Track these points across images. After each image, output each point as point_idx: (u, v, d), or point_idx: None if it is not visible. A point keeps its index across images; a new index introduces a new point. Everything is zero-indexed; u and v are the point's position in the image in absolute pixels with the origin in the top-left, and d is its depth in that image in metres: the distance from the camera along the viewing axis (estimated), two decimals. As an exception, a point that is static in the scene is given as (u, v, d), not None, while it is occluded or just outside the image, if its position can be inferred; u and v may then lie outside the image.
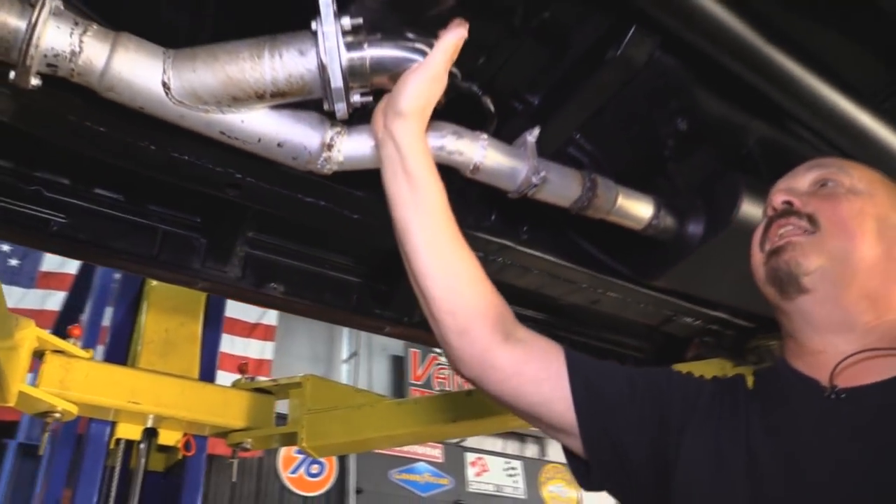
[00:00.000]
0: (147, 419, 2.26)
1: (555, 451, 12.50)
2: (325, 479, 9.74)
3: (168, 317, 2.63)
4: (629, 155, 1.71)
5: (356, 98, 1.16)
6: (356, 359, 11.36)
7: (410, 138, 1.11)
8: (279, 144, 1.23)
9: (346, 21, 1.12)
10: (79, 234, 1.68)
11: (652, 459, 1.05)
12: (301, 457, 9.35)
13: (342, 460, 9.84)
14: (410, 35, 1.18)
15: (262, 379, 2.49)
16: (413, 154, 1.11)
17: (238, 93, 1.15)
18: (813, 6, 1.51)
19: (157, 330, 2.57)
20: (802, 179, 1.13)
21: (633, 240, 1.68)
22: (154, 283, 2.72)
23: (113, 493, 2.35)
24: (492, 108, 1.41)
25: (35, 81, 1.08)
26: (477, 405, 2.27)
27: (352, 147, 1.28)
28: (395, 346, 11.45)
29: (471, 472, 11.13)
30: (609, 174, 1.62)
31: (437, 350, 11.84)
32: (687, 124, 1.62)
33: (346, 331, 11.23)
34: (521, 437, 12.11)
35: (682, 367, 1.30)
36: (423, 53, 1.16)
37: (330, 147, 1.26)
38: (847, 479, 0.87)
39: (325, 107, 1.18)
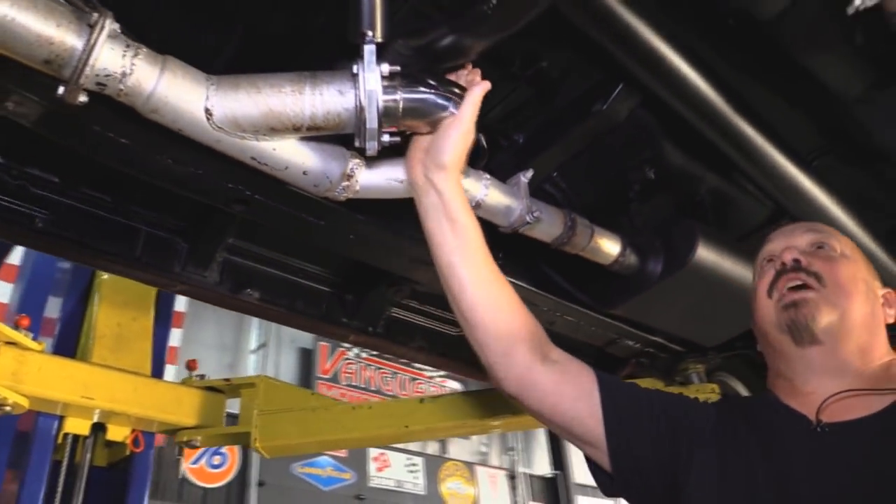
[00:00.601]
0: (95, 414, 2.22)
1: (455, 450, 12.80)
2: (227, 471, 9.56)
3: (120, 311, 2.57)
4: (598, 194, 1.86)
5: (385, 137, 1.24)
6: (265, 350, 11.20)
7: (452, 187, 1.22)
8: (304, 172, 1.29)
9: (385, 67, 1.20)
10: (63, 231, 1.66)
11: (667, 473, 1.18)
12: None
13: (245, 452, 9.68)
14: (432, 81, 1.28)
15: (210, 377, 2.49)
16: (455, 201, 1.21)
17: (277, 124, 1.20)
18: (766, 77, 1.71)
19: (109, 324, 2.52)
20: (800, 239, 1.29)
21: (596, 272, 1.84)
22: (105, 275, 2.66)
23: (59, 488, 2.29)
24: (485, 145, 1.53)
25: (83, 98, 1.10)
26: (429, 413, 2.37)
27: (367, 178, 1.36)
28: (304, 338, 11.35)
29: (373, 468, 11.21)
30: (578, 210, 1.76)
31: (346, 345, 11.84)
32: (654, 173, 1.78)
33: (255, 320, 11.03)
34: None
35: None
36: (449, 99, 1.26)
37: (349, 177, 1.34)
38: (831, 498, 1.02)
39: (357, 143, 1.25)
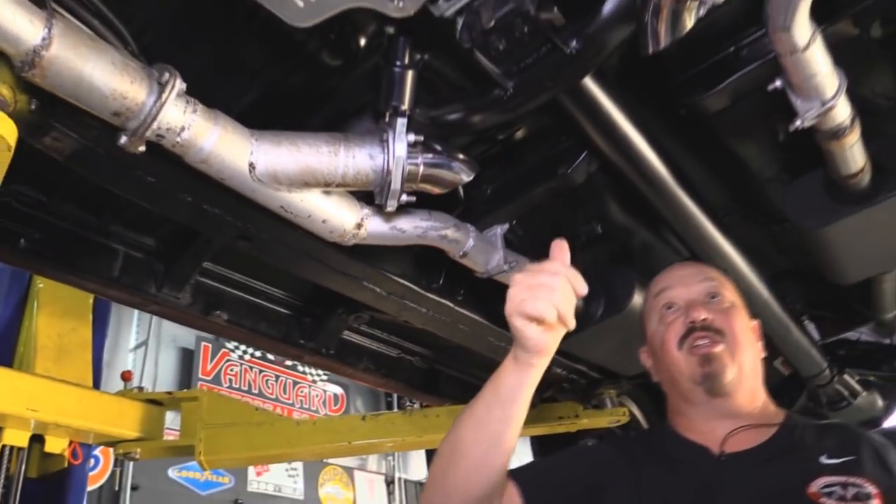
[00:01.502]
0: (34, 426, 2.16)
1: (332, 452, 12.68)
2: (100, 474, 9.05)
3: (60, 321, 2.48)
4: (550, 242, 2.08)
5: (404, 197, 1.39)
6: (144, 348, 10.70)
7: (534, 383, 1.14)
8: (324, 221, 1.41)
9: (411, 137, 1.34)
10: (46, 250, 1.67)
11: None
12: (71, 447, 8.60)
13: (117, 454, 9.17)
14: (447, 150, 1.43)
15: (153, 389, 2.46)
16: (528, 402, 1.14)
17: (311, 179, 1.32)
18: (700, 152, 2.00)
19: (51, 335, 2.43)
20: (697, 289, 1.42)
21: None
22: (41, 283, 2.56)
23: (-2, 499, 2.20)
24: (462, 195, 1.71)
25: (142, 148, 1.18)
26: (370, 429, 2.49)
27: (375, 226, 1.49)
28: (186, 337, 10.91)
29: (252, 472, 10.97)
30: (530, 255, 1.97)
31: (230, 345, 11.55)
32: (600, 227, 2.02)
33: (134, 317, 10.51)
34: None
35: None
36: (461, 163, 1.42)
37: (360, 226, 1.46)
38: None
39: (377, 200, 1.39)
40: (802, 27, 1.20)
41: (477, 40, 1.28)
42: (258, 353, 11.52)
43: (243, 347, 10.98)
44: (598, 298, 2.04)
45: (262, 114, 1.56)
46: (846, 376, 2.87)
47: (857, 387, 2.95)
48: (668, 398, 1.46)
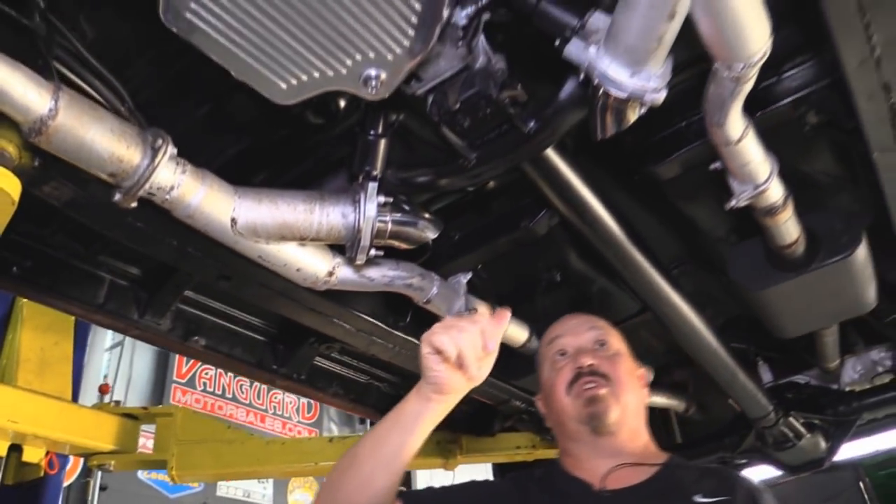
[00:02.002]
0: (13, 436, 2.25)
1: (304, 460, 12.75)
2: (68, 474, 9.02)
3: (42, 335, 2.57)
4: (512, 287, 2.21)
5: (372, 252, 1.51)
6: (120, 349, 10.70)
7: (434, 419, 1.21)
8: (298, 269, 1.53)
9: (381, 198, 1.46)
10: (37, 278, 1.77)
11: None
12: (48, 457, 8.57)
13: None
14: (414, 209, 1.55)
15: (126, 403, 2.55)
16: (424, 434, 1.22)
17: (287, 234, 1.43)
18: (655, 213, 2.14)
19: (33, 348, 2.51)
20: (585, 337, 1.54)
21: (504, 350, 2.17)
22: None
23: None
24: (430, 243, 1.83)
25: (134, 204, 1.29)
26: (337, 451, 2.59)
27: (345, 274, 1.61)
28: (162, 339, 10.89)
29: (222, 476, 10.99)
30: (495, 298, 2.10)
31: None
32: (559, 276, 2.16)
33: (109, 316, 10.45)
34: (275, 444, 12.21)
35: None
36: (427, 221, 1.54)
37: (331, 274, 1.58)
38: None
39: (347, 253, 1.51)
40: (735, 123, 1.35)
41: (444, 117, 1.40)
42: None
43: (220, 351, 11.09)
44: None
45: (246, 163, 1.68)
46: (791, 419, 3.01)
47: (802, 429, 3.10)
48: (559, 440, 1.55)
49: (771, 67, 1.61)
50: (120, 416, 2.45)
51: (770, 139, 1.72)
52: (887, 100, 1.41)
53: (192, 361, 11.47)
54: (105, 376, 8.62)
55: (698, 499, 1.32)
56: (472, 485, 1.54)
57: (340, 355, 2.54)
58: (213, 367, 11.68)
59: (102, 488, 9.43)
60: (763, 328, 2.69)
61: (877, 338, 3.03)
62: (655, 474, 1.39)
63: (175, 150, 1.27)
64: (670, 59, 1.19)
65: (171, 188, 1.28)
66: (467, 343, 1.14)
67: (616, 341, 1.57)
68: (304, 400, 12.99)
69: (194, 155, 1.35)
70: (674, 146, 1.76)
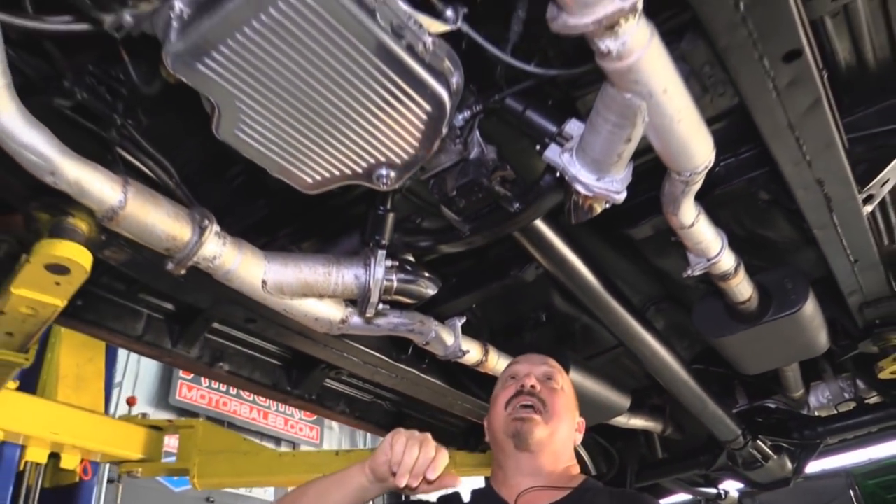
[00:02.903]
0: (53, 446, 2.50)
1: (305, 455, 13.04)
2: (79, 465, 9.32)
3: (78, 353, 2.82)
4: (502, 324, 2.46)
5: (380, 306, 1.76)
6: (130, 345, 10.91)
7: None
8: (316, 319, 1.78)
9: (388, 262, 1.71)
10: (87, 314, 2.02)
11: None
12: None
13: (96, 446, 9.45)
14: (416, 269, 1.80)
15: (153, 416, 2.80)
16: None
17: (309, 292, 1.68)
18: (630, 262, 2.38)
19: (70, 365, 2.77)
20: (538, 369, 1.72)
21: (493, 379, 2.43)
22: (64, 317, 2.89)
23: (21, 504, 2.55)
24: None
25: (183, 272, 1.54)
26: (342, 463, 2.84)
27: (355, 322, 1.86)
28: (170, 335, 11.17)
29: (225, 470, 11.26)
30: (485, 333, 2.35)
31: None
32: (545, 316, 2.41)
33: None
34: (276, 441, 12.48)
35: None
36: (427, 280, 1.79)
37: (344, 322, 1.83)
38: None
39: (359, 308, 1.76)
40: (687, 213, 1.59)
41: (443, 198, 1.65)
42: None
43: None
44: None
45: (273, 222, 1.94)
46: (759, 442, 3.26)
47: (769, 451, 3.35)
48: (494, 454, 1.68)
49: (728, 148, 1.86)
50: (147, 427, 2.71)
51: (730, 208, 1.97)
52: (822, 191, 1.66)
53: (198, 358, 11.72)
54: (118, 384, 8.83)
55: None
56: None
57: (347, 377, 2.79)
58: (218, 364, 12.03)
59: (110, 480, 9.70)
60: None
61: (842, 367, 3.27)
62: (568, 496, 1.50)
63: (218, 228, 1.52)
64: (630, 165, 1.43)
65: (214, 258, 1.53)
66: (410, 461, 1.29)
67: (563, 381, 1.73)
68: (306, 397, 13.34)
69: (228, 215, 1.61)
70: (645, 212, 2.00)
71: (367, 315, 1.75)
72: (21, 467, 2.66)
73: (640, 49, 1.12)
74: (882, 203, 2.00)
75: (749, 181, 1.84)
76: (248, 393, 12.41)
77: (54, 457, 2.66)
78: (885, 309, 2.26)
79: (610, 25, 1.06)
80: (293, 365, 2.58)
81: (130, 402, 2.93)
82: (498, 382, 1.77)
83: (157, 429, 2.75)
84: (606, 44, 1.10)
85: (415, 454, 1.29)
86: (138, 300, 2.13)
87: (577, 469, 1.64)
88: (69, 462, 2.68)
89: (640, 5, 1.03)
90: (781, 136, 1.47)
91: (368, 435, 13.64)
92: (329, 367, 2.55)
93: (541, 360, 1.79)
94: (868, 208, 1.75)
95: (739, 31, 1.20)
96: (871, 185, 1.69)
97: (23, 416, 2.30)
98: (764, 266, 2.17)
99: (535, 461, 1.55)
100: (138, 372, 10.47)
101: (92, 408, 2.64)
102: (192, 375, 11.47)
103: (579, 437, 1.72)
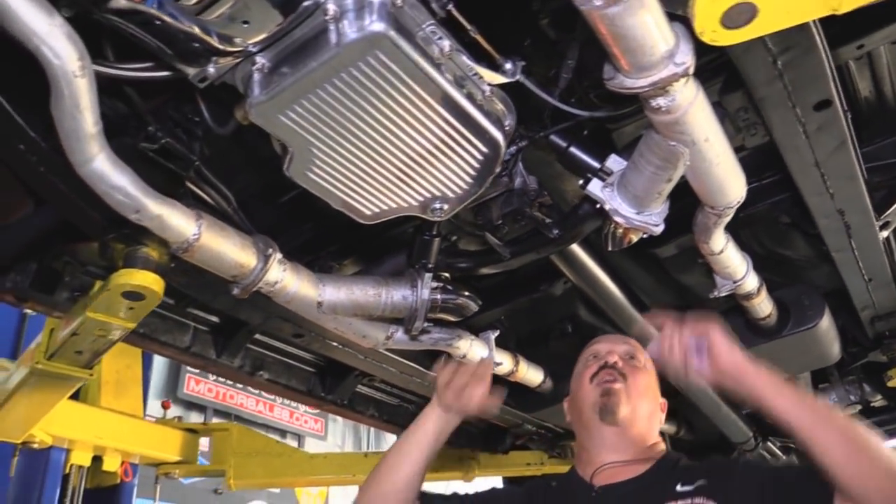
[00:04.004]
0: (96, 449, 2.61)
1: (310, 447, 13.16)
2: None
3: (117, 359, 2.93)
4: (529, 333, 2.57)
5: (424, 324, 1.87)
6: (138, 338, 11.03)
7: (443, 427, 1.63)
8: (364, 336, 1.89)
9: (433, 284, 1.82)
10: (141, 328, 2.13)
11: None
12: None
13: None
14: (457, 289, 1.91)
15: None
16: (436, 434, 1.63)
17: (360, 312, 1.79)
18: (651, 275, 2.49)
19: (111, 371, 2.87)
20: (619, 347, 1.73)
21: (520, 387, 2.55)
22: (103, 324, 3.00)
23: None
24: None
25: (246, 296, 1.65)
26: (372, 463, 2.95)
27: (399, 338, 1.97)
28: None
29: (232, 463, 11.40)
30: (512, 342, 2.47)
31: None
32: (570, 327, 2.52)
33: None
34: (281, 433, 12.62)
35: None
36: (467, 299, 1.89)
37: (388, 338, 1.95)
38: None
39: (405, 325, 1.87)
40: (717, 241, 1.70)
41: (488, 225, 1.76)
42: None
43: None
44: (565, 380, 2.53)
45: (317, 243, 2.04)
46: (769, 443, 3.39)
47: (779, 452, 3.48)
48: (576, 434, 1.73)
49: (753, 174, 1.96)
50: (183, 430, 2.82)
51: (752, 229, 2.08)
52: (842, 219, 1.77)
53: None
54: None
55: (679, 487, 1.44)
56: (490, 493, 1.78)
57: (377, 383, 2.91)
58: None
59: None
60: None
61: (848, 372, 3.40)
62: (647, 470, 1.52)
63: (280, 255, 1.63)
64: (667, 201, 1.54)
65: (276, 283, 1.63)
66: (459, 380, 1.58)
67: (646, 360, 1.70)
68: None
69: (278, 237, 1.71)
70: (671, 233, 2.10)
71: (413, 332, 1.86)
72: (66, 470, 2.77)
73: (687, 104, 1.22)
74: (896, 225, 2.11)
75: (772, 205, 1.94)
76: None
77: (97, 459, 2.77)
78: (895, 322, 2.37)
79: (663, 87, 1.16)
80: (327, 372, 2.69)
81: (165, 405, 3.04)
82: (578, 363, 1.77)
83: (193, 431, 2.86)
84: (658, 101, 1.20)
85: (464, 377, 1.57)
86: (186, 314, 2.24)
87: (661, 445, 1.64)
88: (111, 464, 2.79)
89: (692, 70, 1.13)
90: (808, 173, 1.57)
91: (371, 429, 13.87)
92: (362, 374, 2.67)
93: (621, 339, 1.79)
94: (884, 234, 1.86)
95: (776, 84, 1.30)
96: (888, 212, 1.80)
97: (69, 422, 2.41)
98: (780, 281, 2.28)
99: (620, 435, 1.56)
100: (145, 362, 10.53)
101: (132, 412, 2.75)
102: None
103: (662, 417, 1.71)
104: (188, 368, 11.54)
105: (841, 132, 1.44)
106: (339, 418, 13.01)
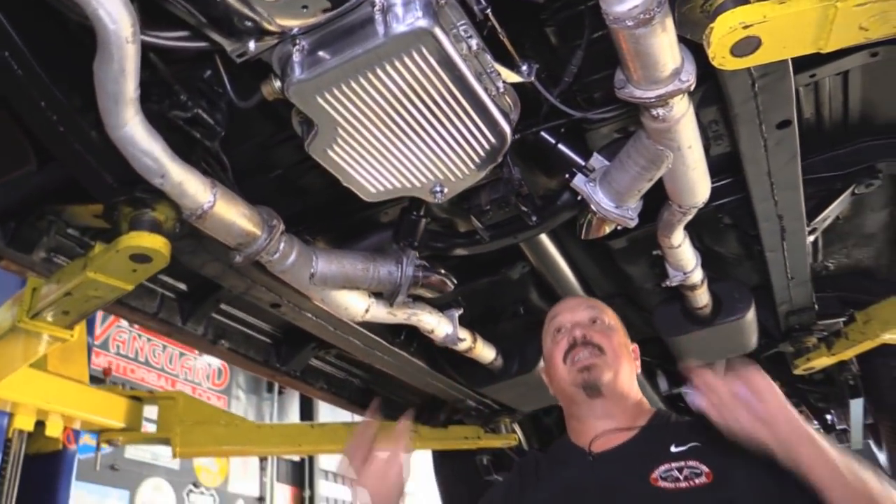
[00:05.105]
0: (40, 413, 2.56)
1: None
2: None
3: None
4: (483, 313, 2.74)
5: (406, 298, 1.99)
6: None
7: None
8: (346, 308, 1.99)
9: (417, 262, 1.95)
10: (110, 292, 2.14)
11: None
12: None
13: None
14: (434, 268, 2.04)
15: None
16: None
17: (348, 284, 1.90)
18: (603, 267, 2.71)
19: None
20: (582, 314, 1.69)
21: (468, 361, 2.71)
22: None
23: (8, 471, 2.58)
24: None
25: (248, 264, 1.72)
26: (317, 436, 3.04)
27: (376, 312, 2.09)
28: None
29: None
30: (466, 320, 2.63)
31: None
32: (522, 308, 2.71)
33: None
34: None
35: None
36: (444, 277, 2.03)
37: (367, 311, 2.06)
38: (597, 498, 1.48)
39: (387, 299, 1.99)
40: (677, 237, 1.92)
41: (474, 209, 1.91)
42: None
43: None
44: (514, 359, 2.74)
45: (311, 216, 2.12)
46: (681, 424, 3.73)
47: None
48: (563, 406, 1.71)
49: (703, 178, 2.20)
50: (128, 398, 2.81)
51: (695, 226, 2.32)
52: (780, 223, 2.03)
53: (107, 322, 11.38)
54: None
55: (672, 448, 1.45)
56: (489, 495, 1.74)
57: (327, 356, 3.00)
58: (127, 330, 11.68)
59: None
60: (666, 347, 3.36)
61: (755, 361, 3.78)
62: (639, 433, 1.54)
63: (283, 227, 1.71)
64: (642, 199, 1.74)
65: (276, 253, 1.72)
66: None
67: (610, 318, 1.70)
68: (214, 366, 13.17)
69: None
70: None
71: (395, 304, 1.98)
72: (9, 434, 2.70)
73: (681, 116, 1.41)
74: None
75: (718, 207, 2.18)
76: (157, 360, 12.21)
77: (39, 425, 2.71)
78: (806, 317, 2.70)
79: (666, 99, 1.34)
80: (283, 343, 2.76)
81: (106, 372, 2.98)
82: (545, 337, 1.76)
83: (138, 399, 2.85)
84: (658, 111, 1.38)
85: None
86: (155, 280, 2.26)
87: (646, 402, 1.66)
88: (54, 430, 2.74)
89: (692, 87, 1.32)
90: (760, 181, 1.81)
91: (275, 406, 13.78)
92: (318, 346, 2.76)
93: (582, 304, 1.76)
94: (811, 238, 2.14)
95: (749, 103, 1.52)
96: (816, 220, 2.08)
97: (15, 385, 2.37)
98: (712, 275, 2.55)
99: (608, 404, 1.57)
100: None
101: (78, 378, 2.71)
102: (101, 341, 11.13)
103: (638, 364, 1.72)
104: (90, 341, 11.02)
105: (794, 148, 1.68)
106: (242, 396, 12.86)
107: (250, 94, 1.52)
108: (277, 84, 1.42)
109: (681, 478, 1.39)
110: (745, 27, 1.10)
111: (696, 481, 1.38)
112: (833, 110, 1.97)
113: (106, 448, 10.25)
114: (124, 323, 11.69)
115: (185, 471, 11.97)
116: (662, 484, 1.40)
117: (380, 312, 2.09)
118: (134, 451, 11.22)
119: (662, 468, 1.42)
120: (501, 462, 3.71)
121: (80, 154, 1.49)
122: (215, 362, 13.14)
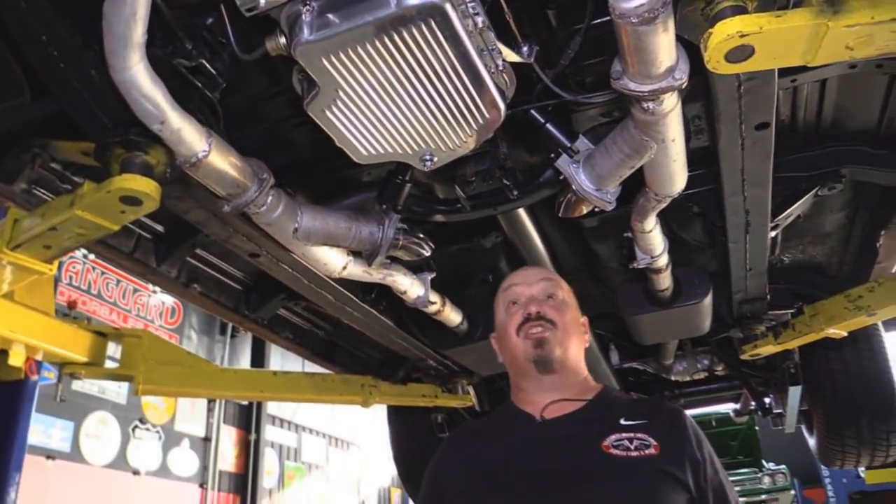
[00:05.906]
0: (3, 342, 2.55)
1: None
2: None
3: None
4: (454, 277, 2.81)
5: (385, 259, 2.05)
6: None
7: None
8: (325, 263, 2.04)
9: (398, 224, 2.00)
10: (88, 228, 2.14)
11: None
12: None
13: None
14: (412, 232, 2.10)
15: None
16: None
17: (330, 241, 1.94)
18: (569, 237, 2.80)
19: None
20: (536, 288, 1.71)
21: (433, 323, 2.79)
22: (14, 216, 2.85)
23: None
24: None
25: (236, 214, 1.75)
26: (279, 383, 3.10)
27: (353, 269, 2.14)
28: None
29: (76, 370, 10.98)
30: (439, 282, 2.71)
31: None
32: (491, 277, 2.79)
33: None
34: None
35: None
36: (423, 241, 2.09)
37: (344, 268, 2.11)
38: (544, 464, 1.51)
39: (367, 259, 2.04)
40: (650, 222, 2.01)
41: (458, 179, 1.96)
42: (106, 258, 11.38)
43: (88, 246, 10.85)
44: (479, 325, 2.82)
45: (298, 169, 2.14)
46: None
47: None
48: (511, 376, 1.73)
49: (676, 166, 2.29)
50: (92, 333, 2.82)
51: (664, 212, 2.42)
52: (746, 218, 2.13)
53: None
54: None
55: (622, 421, 1.52)
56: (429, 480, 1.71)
57: (294, 306, 3.05)
58: (80, 262, 11.44)
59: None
60: (621, 321, 3.49)
61: (702, 343, 3.96)
62: (588, 404, 1.60)
63: (273, 181, 1.74)
64: (621, 185, 1.81)
65: (263, 206, 1.75)
66: None
67: (563, 293, 1.73)
68: (167, 304, 13.06)
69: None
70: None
71: (374, 265, 2.04)
72: (-28, 360, 2.69)
73: (669, 111, 1.48)
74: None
75: (688, 196, 2.28)
76: (109, 294, 12.04)
77: (2, 354, 2.71)
78: (758, 306, 2.85)
79: (658, 94, 1.41)
80: (252, 290, 2.80)
81: (71, 306, 2.97)
82: (498, 306, 1.79)
83: (102, 335, 2.86)
84: (649, 104, 1.45)
85: None
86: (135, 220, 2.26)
87: (591, 379, 1.71)
88: (16, 359, 2.74)
89: (684, 85, 1.39)
90: (733, 177, 1.90)
91: (227, 349, 13.80)
92: (289, 297, 2.80)
93: (538, 275, 1.79)
94: (773, 234, 2.26)
95: (734, 104, 1.59)
96: (780, 217, 2.19)
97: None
98: (675, 261, 2.66)
99: (557, 378, 1.61)
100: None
101: (44, 310, 2.71)
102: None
103: (587, 338, 1.76)
104: (35, 268, 10.76)
105: (768, 149, 1.77)
106: (195, 337, 12.85)
107: (252, 47, 1.53)
108: (283, 41, 1.43)
109: (631, 447, 1.47)
110: (742, 36, 1.17)
111: (646, 452, 1.46)
112: (808, 114, 2.07)
113: (50, 379, 10.22)
114: (78, 254, 11.54)
115: (131, 406, 11.98)
116: (614, 451, 1.47)
117: (356, 270, 2.15)
118: (81, 384, 11.18)
119: (613, 437, 1.49)
120: (454, 420, 3.84)
121: (77, 92, 1.49)
122: (168, 300, 13.08)
